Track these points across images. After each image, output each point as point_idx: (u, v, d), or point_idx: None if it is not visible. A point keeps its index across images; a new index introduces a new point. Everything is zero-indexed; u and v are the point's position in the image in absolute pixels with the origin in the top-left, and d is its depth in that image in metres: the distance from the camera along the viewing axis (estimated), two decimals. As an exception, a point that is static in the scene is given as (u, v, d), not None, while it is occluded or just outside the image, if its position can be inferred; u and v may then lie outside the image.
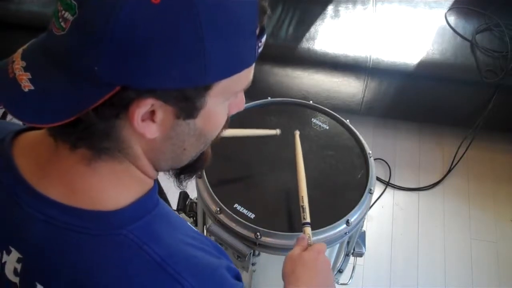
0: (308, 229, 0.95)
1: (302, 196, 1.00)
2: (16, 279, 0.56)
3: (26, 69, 0.49)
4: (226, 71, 0.52)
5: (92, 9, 0.46)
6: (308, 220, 0.96)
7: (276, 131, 1.13)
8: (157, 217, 0.58)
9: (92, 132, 0.51)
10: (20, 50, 0.52)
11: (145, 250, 0.53)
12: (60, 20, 0.48)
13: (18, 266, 0.56)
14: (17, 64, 0.50)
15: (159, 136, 0.54)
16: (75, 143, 0.52)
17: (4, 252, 0.56)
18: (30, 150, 0.58)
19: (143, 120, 0.51)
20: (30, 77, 0.49)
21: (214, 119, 0.58)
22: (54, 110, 0.49)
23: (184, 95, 0.51)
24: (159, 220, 0.58)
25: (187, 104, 0.52)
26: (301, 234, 1.01)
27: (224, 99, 0.56)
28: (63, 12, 0.48)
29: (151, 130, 0.52)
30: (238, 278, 0.62)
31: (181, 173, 0.66)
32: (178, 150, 0.59)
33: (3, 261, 0.57)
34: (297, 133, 1.13)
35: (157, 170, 0.61)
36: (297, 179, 1.04)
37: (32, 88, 0.48)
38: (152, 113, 0.51)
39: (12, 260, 0.56)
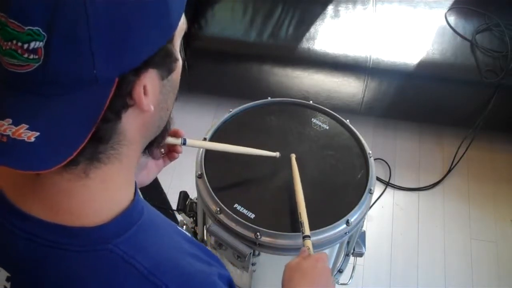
0: (308, 242, 0.95)
1: (300, 212, 1.00)
2: None
3: (15, 123, 0.46)
4: (181, 10, 0.53)
5: (66, 18, 0.44)
6: (307, 233, 0.96)
7: (276, 154, 1.13)
8: (143, 226, 0.57)
9: (101, 136, 0.50)
10: None
11: (132, 264, 0.53)
12: (25, 55, 0.45)
13: (8, 285, 0.55)
14: (0, 125, 0.46)
15: (153, 106, 0.53)
16: (77, 161, 0.50)
17: None
18: (8, 169, 0.56)
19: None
20: (28, 126, 0.46)
21: (179, 64, 0.57)
22: (71, 138, 0.47)
23: (166, 51, 0.52)
24: (146, 230, 0.57)
25: (169, 60, 0.53)
26: (301, 233, 1.01)
27: (179, 39, 0.56)
28: (25, 45, 0.45)
29: (149, 103, 0.52)
30: (230, 285, 0.62)
31: (151, 142, 0.63)
32: (164, 113, 0.58)
33: None
34: (293, 156, 1.14)
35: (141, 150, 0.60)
36: (296, 198, 1.04)
37: (38, 134, 0.46)
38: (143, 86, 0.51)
39: (1, 279, 0.55)
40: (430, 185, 2.10)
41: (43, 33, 0.44)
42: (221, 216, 1.04)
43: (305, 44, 2.03)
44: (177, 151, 0.92)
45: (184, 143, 0.90)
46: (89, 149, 0.50)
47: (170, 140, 0.88)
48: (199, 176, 1.11)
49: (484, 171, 2.17)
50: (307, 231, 0.97)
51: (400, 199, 2.07)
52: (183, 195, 1.32)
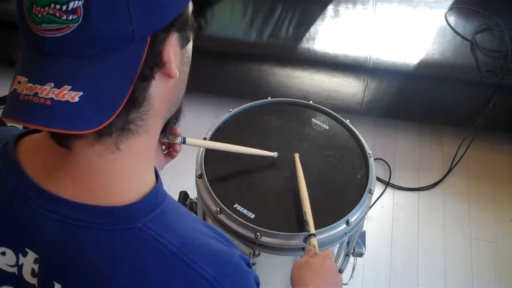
0: (313, 240, 0.95)
1: (305, 211, 1.01)
2: (34, 280, 0.56)
3: (57, 86, 0.46)
4: None
5: None
6: (312, 231, 0.97)
7: (274, 154, 1.14)
8: (168, 207, 0.58)
9: (136, 97, 0.51)
10: (22, 85, 0.47)
11: (160, 242, 0.54)
12: (64, 17, 0.46)
13: (36, 267, 0.55)
14: (42, 90, 0.46)
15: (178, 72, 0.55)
16: (111, 131, 0.51)
17: (20, 254, 0.56)
18: (35, 152, 0.57)
19: None
20: (71, 87, 0.46)
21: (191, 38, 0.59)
22: (112, 97, 0.48)
23: (186, 16, 0.53)
24: (170, 211, 0.58)
25: (188, 27, 0.55)
26: (302, 233, 1.01)
27: (190, 11, 0.57)
28: (64, 6, 0.45)
29: (175, 68, 0.54)
30: (249, 266, 0.63)
31: (166, 123, 0.64)
32: (182, 86, 0.60)
33: (20, 263, 0.56)
34: (297, 155, 1.14)
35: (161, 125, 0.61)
36: (300, 197, 1.04)
37: (81, 93, 0.46)
38: None
39: (29, 262, 0.56)
40: (430, 185, 2.10)
41: None
42: (221, 216, 1.05)
43: (305, 44, 2.03)
44: (176, 150, 0.93)
45: (184, 142, 0.91)
46: (122, 115, 0.51)
47: (169, 139, 0.89)
48: (199, 176, 1.11)
49: (484, 171, 2.17)
50: (312, 229, 0.97)
51: (400, 199, 2.07)
52: (183, 195, 1.32)
